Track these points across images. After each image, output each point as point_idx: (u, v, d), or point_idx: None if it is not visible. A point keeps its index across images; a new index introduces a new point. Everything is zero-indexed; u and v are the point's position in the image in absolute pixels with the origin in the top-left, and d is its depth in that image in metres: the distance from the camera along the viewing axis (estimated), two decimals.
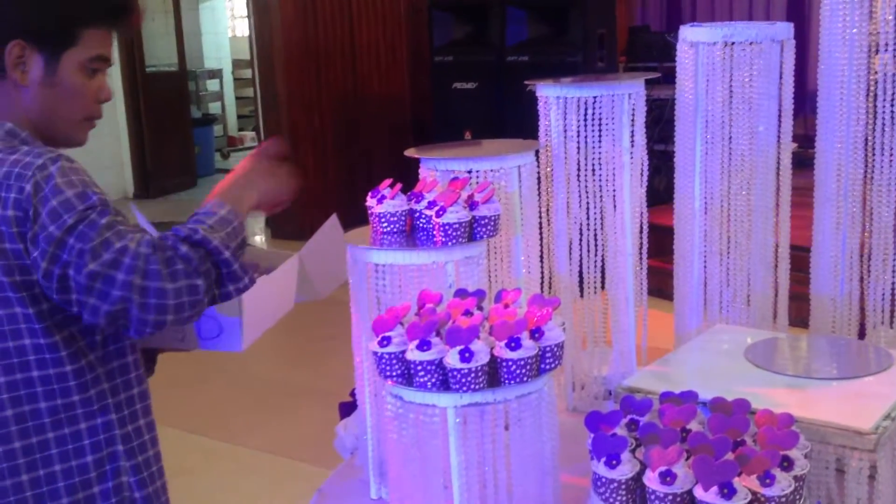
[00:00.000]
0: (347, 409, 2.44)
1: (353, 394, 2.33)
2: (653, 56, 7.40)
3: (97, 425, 1.54)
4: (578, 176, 2.43)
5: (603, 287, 2.53)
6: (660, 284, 2.62)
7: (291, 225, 7.25)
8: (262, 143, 1.77)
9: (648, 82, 2.47)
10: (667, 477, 1.37)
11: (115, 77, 9.27)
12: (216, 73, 13.02)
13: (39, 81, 1.55)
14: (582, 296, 2.51)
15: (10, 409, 1.47)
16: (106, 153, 9.56)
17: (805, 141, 2.49)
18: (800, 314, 2.56)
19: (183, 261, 1.45)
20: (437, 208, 1.90)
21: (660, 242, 2.67)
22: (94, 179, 1.52)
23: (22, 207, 1.42)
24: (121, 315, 1.41)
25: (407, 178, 2.19)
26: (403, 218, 2.00)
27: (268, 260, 1.79)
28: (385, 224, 2.00)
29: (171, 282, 1.42)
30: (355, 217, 2.10)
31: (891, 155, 2.31)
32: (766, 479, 1.36)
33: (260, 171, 1.68)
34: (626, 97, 2.38)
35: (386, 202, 2.00)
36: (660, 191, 5.43)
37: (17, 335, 1.46)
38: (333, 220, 1.98)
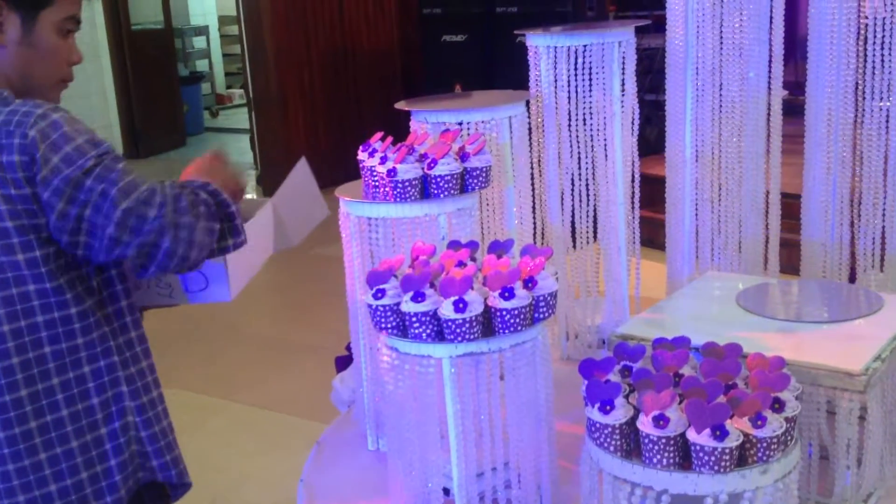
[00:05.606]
0: (343, 362, 2.46)
1: (348, 347, 2.35)
2: (643, 4, 7.33)
3: (101, 367, 1.56)
4: (569, 126, 2.43)
5: (595, 237, 2.54)
6: (651, 235, 2.62)
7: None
8: (206, 155, 1.83)
9: (638, 31, 2.45)
10: (660, 421, 1.39)
11: (100, 36, 9.18)
12: (202, 30, 12.89)
13: (17, 41, 1.55)
14: (574, 246, 2.52)
15: (15, 356, 1.49)
16: (94, 114, 9.49)
17: (796, 88, 2.48)
18: (791, 261, 2.57)
19: (205, 204, 1.53)
20: (428, 161, 1.90)
21: (652, 193, 2.67)
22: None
23: (27, 152, 1.44)
24: (149, 250, 1.46)
25: (397, 131, 2.18)
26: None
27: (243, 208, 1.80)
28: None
29: (199, 220, 1.50)
30: (347, 171, 2.07)
31: (881, 99, 2.30)
32: (758, 420, 1.38)
33: (211, 168, 1.74)
34: (616, 45, 2.36)
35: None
36: (651, 141, 5.43)
37: (20, 281, 1.48)
38: (302, 164, 1.98)
